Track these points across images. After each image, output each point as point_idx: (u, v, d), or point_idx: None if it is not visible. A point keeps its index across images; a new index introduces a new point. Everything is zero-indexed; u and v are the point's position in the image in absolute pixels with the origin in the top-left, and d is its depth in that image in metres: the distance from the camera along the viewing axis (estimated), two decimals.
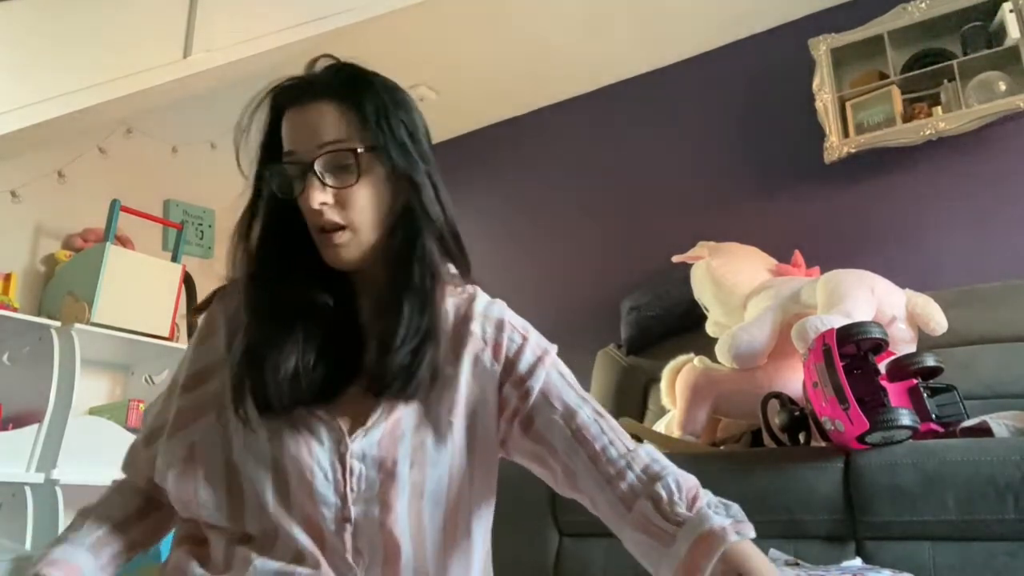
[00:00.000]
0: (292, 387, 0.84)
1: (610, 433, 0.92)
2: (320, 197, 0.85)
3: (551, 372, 0.96)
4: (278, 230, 0.92)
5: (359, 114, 0.87)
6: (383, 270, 0.90)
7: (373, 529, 0.83)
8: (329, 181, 0.85)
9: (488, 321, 0.97)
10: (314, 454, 0.84)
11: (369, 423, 0.86)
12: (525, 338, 0.97)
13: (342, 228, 0.86)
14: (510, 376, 0.94)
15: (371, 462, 0.85)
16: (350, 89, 0.89)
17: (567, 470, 0.91)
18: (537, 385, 0.94)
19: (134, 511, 1.00)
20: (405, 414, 0.88)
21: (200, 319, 0.96)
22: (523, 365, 0.94)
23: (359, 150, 0.86)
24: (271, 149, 0.91)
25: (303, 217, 0.89)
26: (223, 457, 0.87)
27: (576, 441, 0.90)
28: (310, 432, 0.85)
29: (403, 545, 0.84)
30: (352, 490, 0.84)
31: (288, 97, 0.90)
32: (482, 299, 0.99)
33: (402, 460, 0.86)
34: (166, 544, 1.47)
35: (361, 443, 0.85)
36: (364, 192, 0.87)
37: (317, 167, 0.85)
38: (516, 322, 0.99)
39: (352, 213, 0.86)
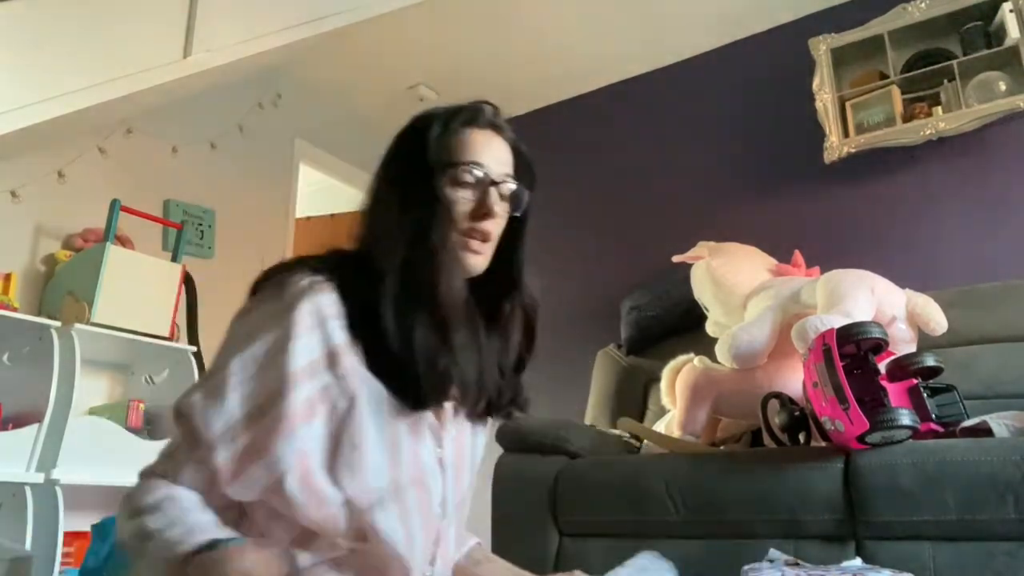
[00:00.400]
0: (443, 385, 0.89)
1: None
2: (499, 208, 0.96)
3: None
4: (437, 227, 0.94)
5: (523, 168, 1.02)
6: (500, 291, 1.00)
7: (446, 536, 0.96)
8: (502, 203, 0.97)
9: None
10: (420, 455, 0.90)
11: (447, 427, 0.96)
12: None
13: (488, 240, 0.96)
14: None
15: (450, 466, 0.95)
16: (521, 148, 1.03)
17: None
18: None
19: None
20: (467, 426, 1.00)
21: (298, 303, 0.85)
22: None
23: (528, 193, 1.00)
24: (439, 152, 0.96)
25: (443, 220, 0.93)
26: (331, 462, 0.84)
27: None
28: (417, 433, 0.91)
29: (450, 547, 0.98)
30: (446, 488, 0.94)
31: (483, 119, 0.99)
32: None
33: (465, 470, 0.99)
34: None
35: (447, 446, 0.95)
36: (504, 221, 0.98)
37: (503, 187, 0.97)
38: None
39: (498, 231, 0.97)
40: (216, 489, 0.83)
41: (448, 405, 0.95)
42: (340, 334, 0.85)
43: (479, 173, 0.95)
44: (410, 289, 0.88)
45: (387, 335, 0.86)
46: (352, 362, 0.85)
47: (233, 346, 0.86)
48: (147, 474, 0.86)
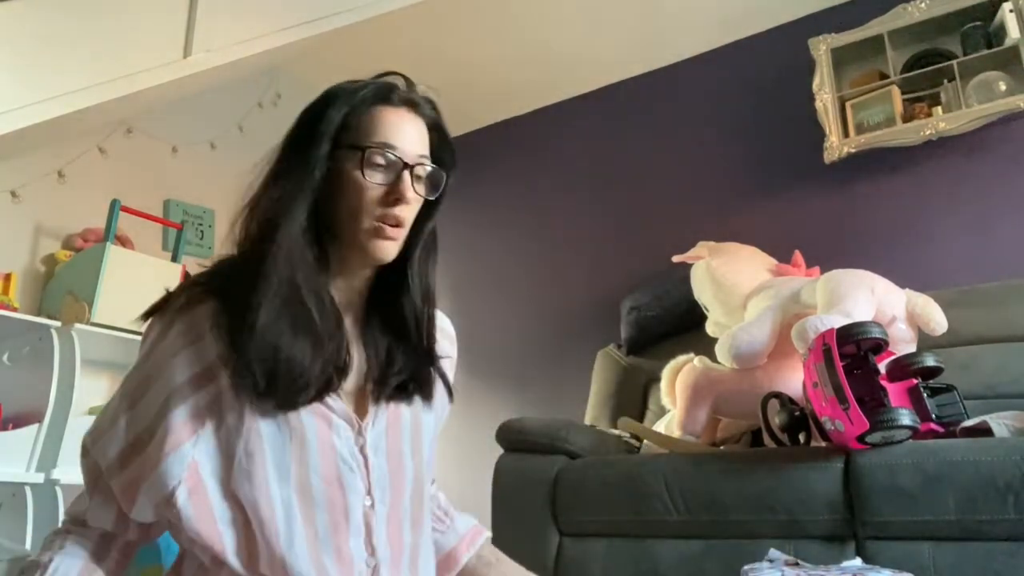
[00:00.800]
0: (300, 383, 0.84)
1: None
2: (411, 195, 0.91)
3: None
4: (310, 210, 0.90)
5: (442, 149, 0.97)
6: (400, 274, 0.96)
7: (384, 521, 0.90)
8: (416, 187, 0.92)
9: (445, 336, 1.07)
10: (335, 447, 0.87)
11: (371, 412, 0.92)
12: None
13: (401, 226, 0.91)
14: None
15: (381, 453, 0.91)
16: (441, 125, 0.99)
17: None
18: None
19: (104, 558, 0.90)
20: (402, 406, 0.96)
21: (175, 321, 0.86)
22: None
23: (447, 176, 0.95)
24: (343, 132, 0.91)
25: (338, 205, 0.90)
26: (225, 476, 0.83)
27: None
28: (328, 424, 0.87)
29: (405, 536, 0.92)
30: (373, 479, 0.90)
31: (397, 96, 0.95)
32: (440, 314, 1.06)
33: (406, 454, 0.94)
34: (166, 545, 1.47)
35: (371, 434, 0.91)
36: (418, 205, 0.94)
37: (417, 171, 0.92)
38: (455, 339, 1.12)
39: (411, 216, 0.93)
40: (127, 519, 0.86)
41: (364, 392, 0.92)
42: (216, 346, 0.83)
43: (391, 156, 0.90)
44: (265, 272, 0.83)
45: (245, 338, 0.81)
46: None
47: (127, 376, 0.89)
48: (65, 521, 0.91)
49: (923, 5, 2.77)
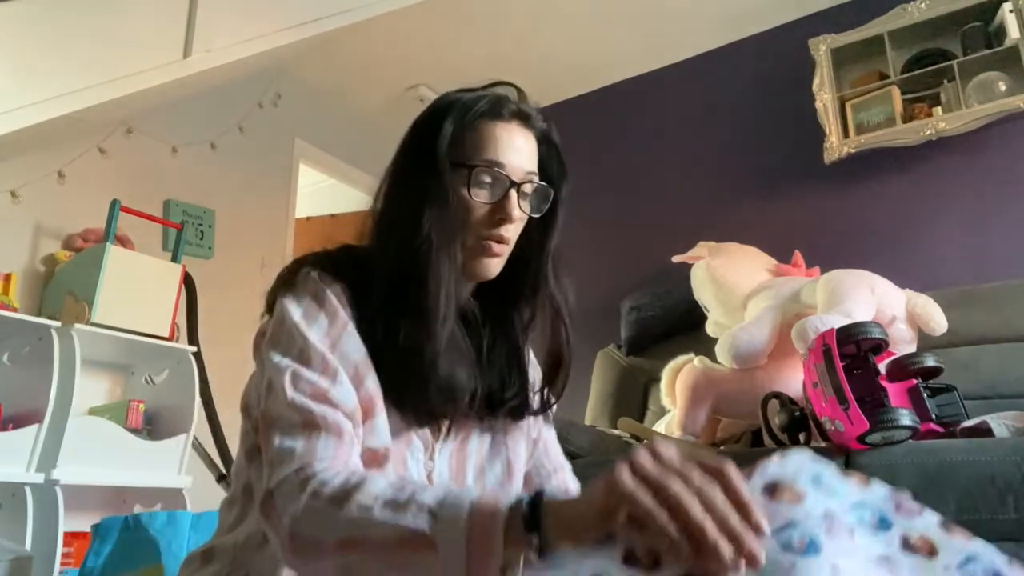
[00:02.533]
0: (452, 407, 0.85)
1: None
2: (517, 215, 0.89)
3: (550, 424, 1.06)
4: (442, 229, 0.87)
5: (552, 161, 0.95)
6: (515, 292, 0.95)
7: None
8: (523, 205, 0.90)
9: (531, 364, 1.02)
10: (408, 467, 0.85)
11: (441, 437, 0.89)
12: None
13: (505, 243, 0.90)
14: (536, 423, 1.01)
15: (445, 480, 0.89)
16: (551, 138, 0.96)
17: None
18: (544, 434, 1.03)
19: None
20: (473, 431, 0.92)
21: (316, 291, 0.83)
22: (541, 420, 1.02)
23: (554, 195, 0.93)
24: (453, 148, 0.89)
25: (457, 221, 0.88)
26: None
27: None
28: (408, 443, 0.85)
29: None
30: None
31: (506, 110, 0.92)
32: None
33: (469, 478, 0.91)
34: (166, 545, 1.47)
35: (438, 460, 0.88)
36: (522, 223, 0.92)
37: (524, 188, 0.90)
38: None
39: (516, 234, 0.91)
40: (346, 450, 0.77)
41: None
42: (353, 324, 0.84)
43: (498, 173, 0.88)
44: (397, 299, 0.83)
45: (380, 348, 0.82)
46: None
47: (291, 331, 0.81)
48: (271, 491, 0.73)
49: (923, 5, 2.77)
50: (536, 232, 0.94)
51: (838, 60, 2.92)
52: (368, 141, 3.95)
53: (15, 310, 2.26)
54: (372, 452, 0.80)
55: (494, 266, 0.89)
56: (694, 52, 3.39)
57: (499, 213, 0.87)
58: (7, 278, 2.34)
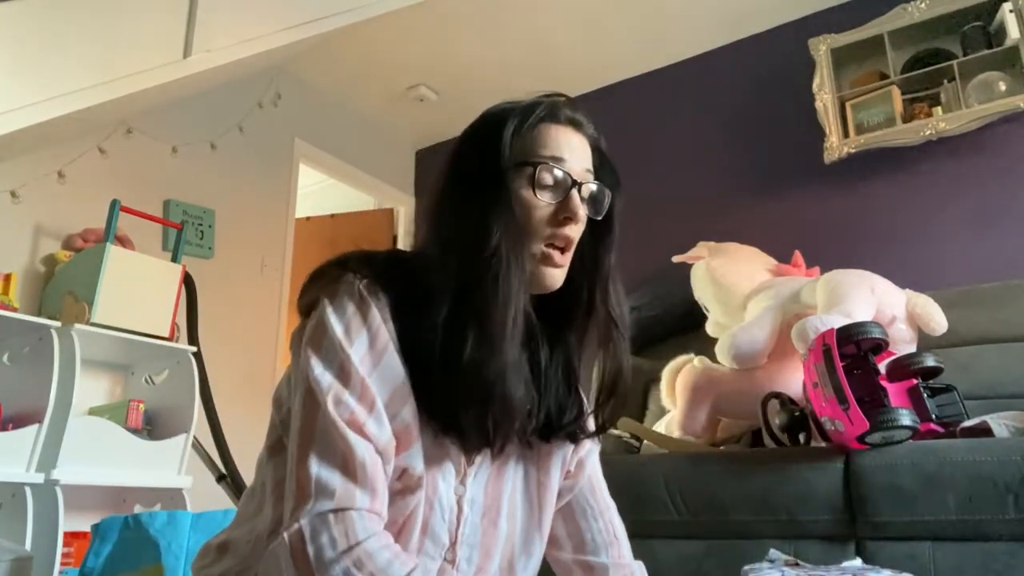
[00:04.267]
0: (506, 428, 0.80)
1: (626, 539, 1.00)
2: (583, 212, 0.85)
3: (597, 458, 1.01)
4: (511, 237, 0.83)
5: (604, 169, 0.91)
6: (573, 306, 0.90)
7: (470, 574, 0.84)
8: (584, 206, 0.86)
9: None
10: (438, 490, 0.81)
11: (477, 461, 0.85)
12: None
13: (568, 248, 0.86)
14: (579, 450, 0.95)
15: (477, 507, 0.85)
16: (602, 147, 0.93)
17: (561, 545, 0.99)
18: (590, 471, 0.99)
19: None
20: (511, 459, 0.88)
21: (360, 305, 0.79)
22: (587, 444, 0.96)
23: (613, 196, 0.89)
24: (512, 150, 0.86)
25: (516, 230, 0.83)
26: None
27: (603, 534, 0.98)
28: (439, 464, 0.82)
29: None
30: (461, 534, 0.83)
31: (562, 114, 0.89)
32: None
33: (503, 512, 0.87)
34: (166, 545, 1.47)
35: (471, 485, 0.84)
36: (583, 226, 0.87)
37: (585, 188, 0.86)
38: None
39: (577, 239, 0.87)
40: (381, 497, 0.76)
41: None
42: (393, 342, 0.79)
43: (560, 172, 0.84)
44: (464, 312, 0.78)
45: (433, 365, 0.77)
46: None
47: (333, 345, 0.77)
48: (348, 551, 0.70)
49: (923, 5, 2.77)
50: (590, 244, 0.89)
51: (838, 60, 2.92)
52: (368, 141, 3.96)
53: (15, 310, 2.26)
54: (407, 477, 0.78)
55: (558, 276, 0.86)
56: (694, 52, 3.39)
57: (564, 212, 0.84)
58: (7, 278, 2.34)
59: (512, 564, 0.88)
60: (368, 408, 0.75)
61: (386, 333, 0.79)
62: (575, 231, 0.85)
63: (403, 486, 0.78)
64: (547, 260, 0.84)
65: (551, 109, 0.88)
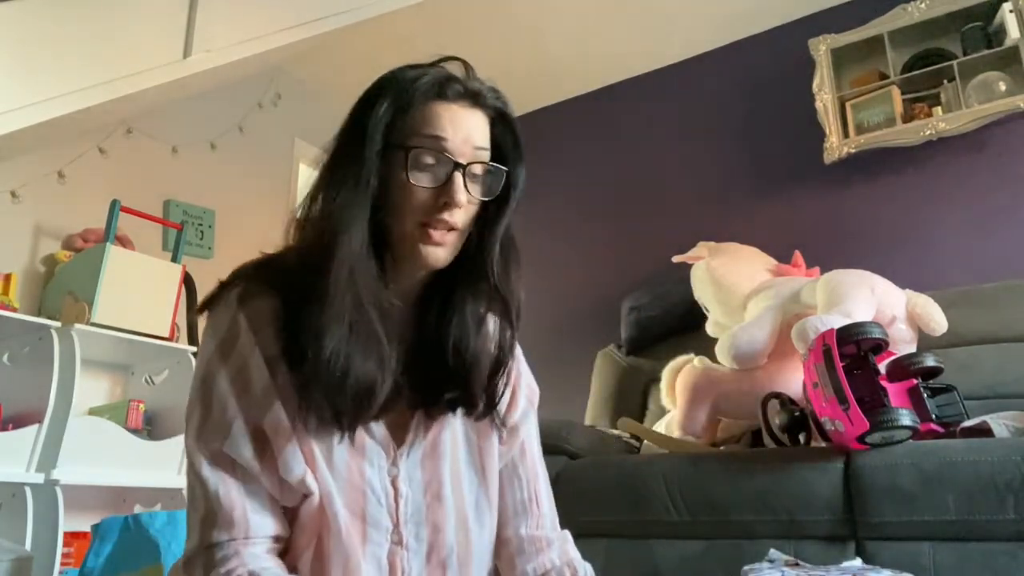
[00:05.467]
0: (367, 403, 0.80)
1: (551, 508, 0.99)
2: (464, 197, 0.82)
3: (533, 425, 1.00)
4: (368, 219, 0.82)
5: (506, 142, 0.88)
6: (463, 281, 0.88)
7: (422, 561, 0.84)
8: (471, 187, 0.84)
9: (525, 388, 0.99)
10: (366, 476, 0.82)
11: (408, 440, 0.86)
12: (520, 379, 0.98)
13: (453, 230, 0.83)
14: (508, 417, 0.95)
15: (417, 485, 0.85)
16: (506, 115, 0.89)
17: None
18: (524, 437, 0.97)
19: None
20: (445, 431, 0.88)
21: (239, 314, 0.81)
22: (519, 411, 0.96)
23: (506, 172, 0.86)
24: (391, 131, 0.83)
25: (386, 206, 0.83)
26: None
27: (525, 503, 0.96)
28: (361, 451, 0.82)
29: (449, 568, 0.86)
30: (403, 514, 0.84)
31: (451, 91, 0.84)
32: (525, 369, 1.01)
33: (447, 483, 0.87)
34: (166, 545, 1.47)
35: (404, 465, 0.85)
36: (474, 208, 0.86)
37: (472, 169, 0.83)
38: (522, 359, 1.00)
39: (467, 219, 0.85)
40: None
41: (405, 413, 0.86)
42: (276, 344, 0.80)
43: (440, 156, 0.81)
44: (329, 292, 0.77)
45: (312, 364, 0.77)
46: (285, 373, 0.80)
47: (205, 373, 0.82)
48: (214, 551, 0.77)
49: (923, 5, 2.77)
50: (484, 218, 0.87)
51: (838, 60, 2.92)
52: None
53: (15, 310, 2.26)
54: (292, 489, 0.79)
55: (440, 254, 0.83)
56: (694, 52, 3.39)
57: (443, 197, 0.81)
58: (7, 278, 2.33)
59: (467, 535, 0.88)
60: (225, 433, 0.79)
61: (250, 340, 0.80)
62: (458, 215, 0.82)
63: (299, 502, 0.80)
64: (426, 239, 0.82)
65: (439, 84, 0.84)
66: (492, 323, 0.91)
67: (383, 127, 0.82)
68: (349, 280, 0.78)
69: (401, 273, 0.85)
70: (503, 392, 0.90)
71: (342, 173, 0.83)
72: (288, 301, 0.81)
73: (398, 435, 0.85)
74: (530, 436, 0.98)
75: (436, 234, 0.82)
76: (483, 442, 0.91)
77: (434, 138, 0.82)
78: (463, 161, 0.82)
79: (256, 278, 0.83)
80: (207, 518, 0.77)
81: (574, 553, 0.98)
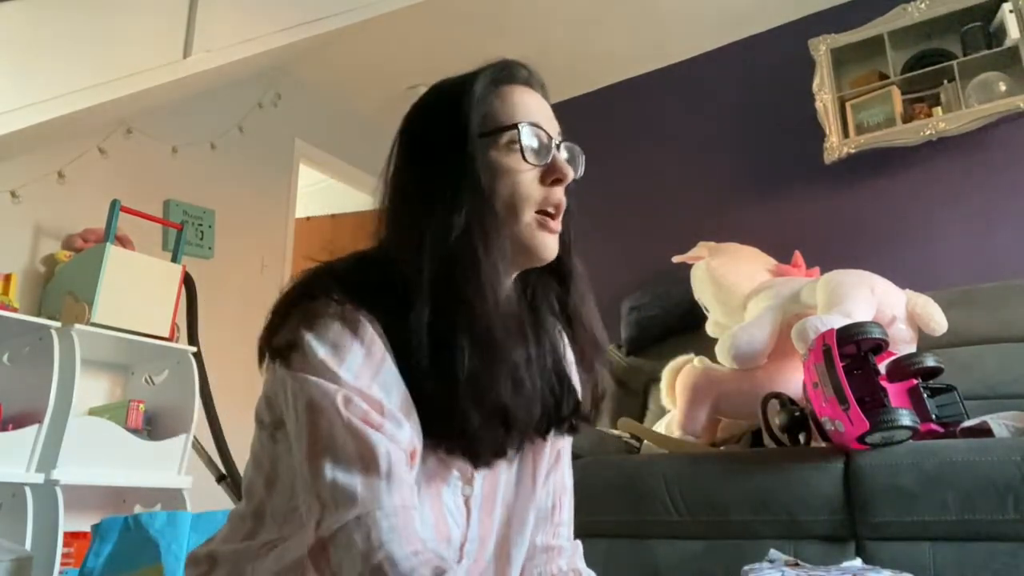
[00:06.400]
0: (500, 438, 0.74)
1: (570, 517, 0.93)
2: (571, 173, 0.79)
3: (570, 443, 0.95)
4: (483, 218, 0.74)
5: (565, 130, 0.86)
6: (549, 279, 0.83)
7: (466, 566, 0.81)
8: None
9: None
10: (444, 501, 0.76)
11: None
12: None
13: (560, 214, 0.79)
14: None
15: (478, 501, 0.80)
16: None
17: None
18: (563, 444, 0.92)
19: None
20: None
21: (344, 329, 0.70)
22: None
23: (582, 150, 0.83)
24: (485, 120, 0.78)
25: (493, 204, 0.75)
26: None
27: (548, 512, 0.90)
28: (442, 477, 0.76)
29: None
30: (470, 535, 0.80)
31: (520, 74, 0.83)
32: None
33: (498, 501, 0.83)
34: (166, 545, 1.47)
35: (477, 483, 0.80)
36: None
37: (564, 148, 0.80)
38: None
39: (565, 203, 0.80)
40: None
41: None
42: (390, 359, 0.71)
43: (542, 132, 0.78)
44: (447, 312, 0.70)
45: (427, 380, 0.70)
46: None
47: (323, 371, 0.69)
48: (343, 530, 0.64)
49: (923, 5, 2.77)
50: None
51: (838, 60, 2.92)
52: (368, 141, 3.95)
53: (15, 310, 2.26)
54: None
55: (553, 244, 0.78)
56: (694, 52, 3.39)
57: (553, 174, 0.78)
58: (7, 278, 2.33)
59: (507, 549, 0.84)
60: (378, 411, 0.68)
61: (382, 347, 0.71)
62: (562, 194, 0.79)
63: None
64: (543, 226, 0.77)
65: (509, 71, 0.82)
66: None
67: (472, 118, 0.77)
68: (497, 302, 0.72)
69: (507, 276, 0.79)
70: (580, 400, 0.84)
71: (450, 174, 0.75)
72: (393, 322, 0.71)
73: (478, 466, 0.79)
74: (567, 442, 0.93)
75: (553, 222, 0.78)
76: (536, 454, 0.86)
77: (528, 117, 0.78)
78: (556, 139, 0.80)
79: (352, 292, 0.72)
80: (369, 477, 0.66)
81: (581, 564, 0.95)
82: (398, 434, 0.68)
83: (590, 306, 0.85)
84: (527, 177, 0.77)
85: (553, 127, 0.81)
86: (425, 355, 0.70)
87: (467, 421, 0.71)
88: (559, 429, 0.83)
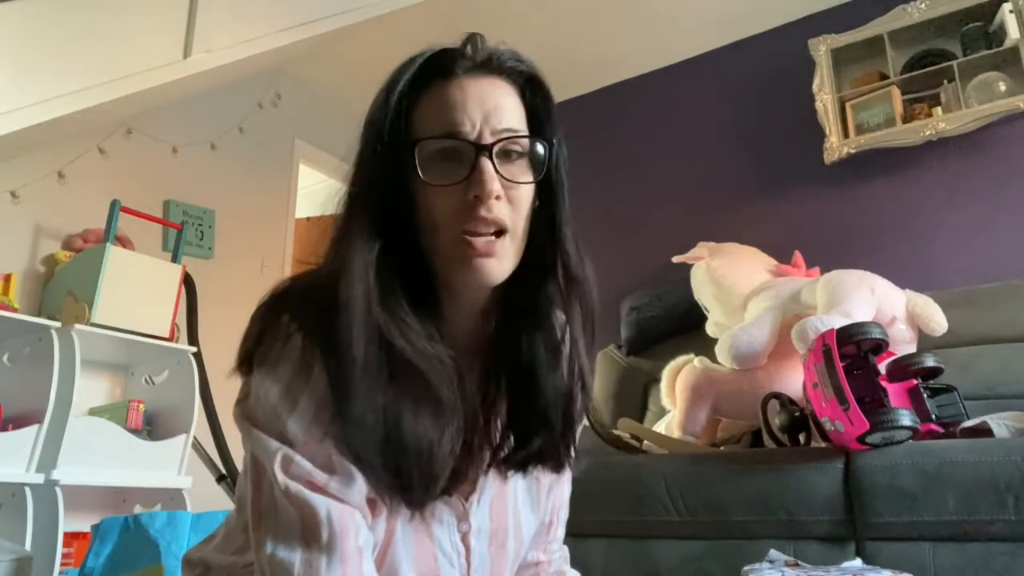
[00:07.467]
0: (435, 481, 0.67)
1: (562, 530, 0.91)
2: (497, 188, 0.66)
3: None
4: (391, 242, 0.67)
5: (539, 110, 0.73)
6: (525, 302, 0.73)
7: None
8: (507, 171, 0.67)
9: None
10: (435, 537, 0.71)
11: (479, 487, 0.75)
12: None
13: (503, 233, 0.67)
14: None
15: (484, 535, 0.75)
16: (535, 79, 0.74)
17: None
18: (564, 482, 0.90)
19: None
20: (515, 480, 0.78)
21: (299, 367, 0.65)
22: None
23: (550, 143, 0.71)
24: (397, 130, 0.69)
25: (419, 219, 0.67)
26: None
27: (543, 527, 0.87)
28: (430, 513, 0.70)
29: None
30: (473, 570, 0.75)
31: (460, 65, 0.70)
32: None
33: (511, 532, 0.78)
34: (166, 545, 1.47)
35: (475, 516, 0.74)
36: (529, 195, 0.69)
37: (502, 149, 0.67)
38: None
39: (517, 216, 0.68)
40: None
41: (476, 462, 0.74)
42: (322, 377, 0.66)
43: (456, 141, 0.66)
44: (377, 346, 0.64)
45: (353, 428, 0.63)
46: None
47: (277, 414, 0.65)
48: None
49: (923, 5, 2.77)
50: (541, 207, 0.71)
51: (838, 60, 2.92)
52: None
53: (15, 310, 2.26)
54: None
55: (491, 266, 0.66)
56: (694, 52, 3.39)
57: (472, 191, 0.65)
58: (7, 278, 2.34)
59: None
60: (326, 467, 0.63)
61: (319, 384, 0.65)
62: (500, 210, 0.66)
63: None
64: (467, 251, 0.66)
65: (441, 62, 0.70)
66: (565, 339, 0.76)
67: (388, 129, 0.68)
68: (364, 322, 0.64)
69: (456, 302, 0.71)
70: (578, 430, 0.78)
71: (356, 190, 0.70)
72: (326, 345, 0.65)
73: (466, 486, 0.73)
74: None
75: (480, 241, 0.66)
76: (531, 487, 0.81)
77: (445, 123, 0.67)
78: (487, 142, 0.67)
79: (312, 316, 0.67)
80: (309, 551, 0.63)
81: (566, 566, 0.92)
82: (347, 491, 0.63)
83: (579, 347, 0.76)
84: (443, 196, 0.66)
85: (491, 122, 0.67)
86: (354, 396, 0.64)
87: (380, 464, 0.64)
88: (525, 467, 0.76)
